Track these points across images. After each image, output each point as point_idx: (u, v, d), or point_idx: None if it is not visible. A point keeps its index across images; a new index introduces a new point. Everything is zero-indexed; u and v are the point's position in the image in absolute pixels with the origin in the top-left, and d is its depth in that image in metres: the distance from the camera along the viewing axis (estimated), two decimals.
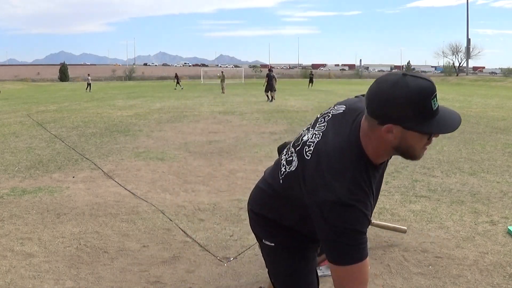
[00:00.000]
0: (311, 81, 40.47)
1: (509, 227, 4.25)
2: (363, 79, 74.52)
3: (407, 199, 5.33)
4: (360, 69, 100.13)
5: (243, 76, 59.38)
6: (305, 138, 1.62)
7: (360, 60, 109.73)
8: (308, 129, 1.68)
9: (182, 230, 4.42)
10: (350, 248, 1.39)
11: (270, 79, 23.47)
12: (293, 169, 1.59)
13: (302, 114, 15.43)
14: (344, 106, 1.63)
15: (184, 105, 19.43)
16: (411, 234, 4.23)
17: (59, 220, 4.76)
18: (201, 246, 4.02)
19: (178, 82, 40.44)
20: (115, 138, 10.42)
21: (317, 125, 1.63)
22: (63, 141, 9.94)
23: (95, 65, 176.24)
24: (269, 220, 1.79)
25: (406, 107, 1.33)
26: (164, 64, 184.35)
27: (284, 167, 1.66)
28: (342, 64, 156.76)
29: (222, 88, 30.39)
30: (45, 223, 4.65)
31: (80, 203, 5.31)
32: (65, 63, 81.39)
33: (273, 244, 1.83)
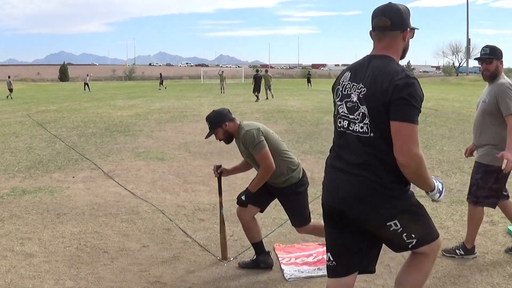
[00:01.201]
0: (309, 81, 40.47)
1: (509, 227, 4.25)
2: None
3: None
4: None
5: (243, 76, 59.37)
6: (354, 96, 2.08)
7: None
8: (344, 97, 2.14)
9: (182, 230, 4.42)
10: (416, 112, 1.93)
11: (257, 80, 23.65)
12: (364, 118, 2.03)
13: (302, 114, 15.42)
14: (347, 69, 2.22)
15: (184, 105, 19.43)
16: None
17: (59, 220, 4.75)
18: (201, 246, 4.02)
19: (161, 83, 41.11)
20: (115, 138, 10.42)
21: (352, 92, 2.10)
22: (63, 141, 9.94)
23: (95, 64, 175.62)
24: (377, 182, 2.02)
25: (409, 14, 2.08)
26: (167, 64, 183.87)
27: (352, 122, 2.07)
28: (342, 64, 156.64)
29: (222, 88, 30.33)
30: (45, 223, 4.64)
31: (80, 203, 5.31)
32: (65, 63, 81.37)
33: (395, 221, 2.06)
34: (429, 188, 2.12)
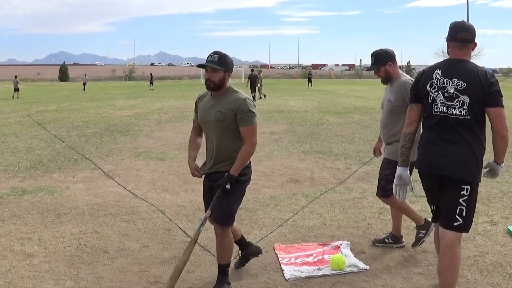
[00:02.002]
0: (309, 81, 40.56)
1: (509, 227, 4.25)
2: (362, 79, 74.42)
3: (407, 199, 5.32)
4: (359, 69, 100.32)
5: (243, 76, 59.39)
6: (450, 89, 2.75)
7: (360, 60, 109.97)
8: (440, 88, 2.78)
9: (182, 230, 4.42)
10: (503, 100, 2.72)
11: (252, 79, 23.59)
12: (464, 104, 2.71)
13: (302, 114, 15.43)
14: (437, 68, 2.85)
15: (184, 105, 19.44)
16: (411, 234, 4.22)
17: (59, 220, 4.75)
18: (201, 246, 4.02)
19: (151, 82, 41.46)
20: (115, 138, 10.42)
21: (448, 85, 2.76)
22: (63, 141, 9.94)
23: (101, 64, 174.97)
24: (469, 151, 2.71)
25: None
26: (169, 64, 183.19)
27: (451, 107, 2.73)
28: (342, 64, 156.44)
29: None
30: (45, 223, 4.64)
31: (80, 203, 5.31)
32: (65, 63, 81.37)
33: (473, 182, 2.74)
34: (503, 161, 2.84)
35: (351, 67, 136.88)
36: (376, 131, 11.22)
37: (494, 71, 79.71)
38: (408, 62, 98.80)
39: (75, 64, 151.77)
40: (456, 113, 2.72)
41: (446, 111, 2.75)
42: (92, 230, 4.44)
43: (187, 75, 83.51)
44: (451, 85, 2.74)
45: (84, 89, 37.84)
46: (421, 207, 5.01)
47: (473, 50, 2.85)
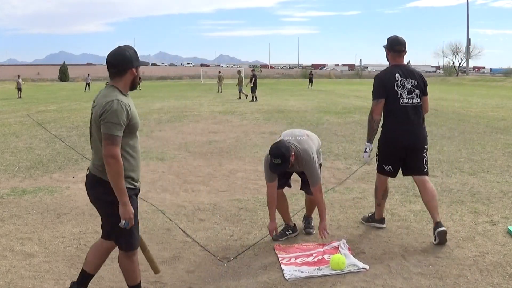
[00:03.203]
0: (310, 81, 40.55)
1: (509, 227, 4.25)
2: (362, 79, 74.38)
3: (407, 199, 5.33)
4: (359, 69, 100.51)
5: (243, 76, 59.34)
6: (408, 86, 4.05)
7: (360, 60, 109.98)
8: (403, 87, 4.05)
9: (182, 230, 4.42)
10: None
11: (255, 79, 23.61)
12: (418, 95, 4.08)
13: (302, 114, 15.42)
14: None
15: (184, 105, 19.43)
16: (411, 234, 4.23)
17: (59, 220, 4.75)
18: (201, 246, 4.02)
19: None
20: None
21: (406, 84, 4.06)
22: (63, 141, 9.94)
23: (95, 64, 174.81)
24: (423, 125, 4.12)
25: None
26: (171, 64, 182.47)
27: (411, 98, 4.04)
28: (342, 64, 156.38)
29: (219, 88, 31.99)
30: (45, 223, 4.64)
31: (80, 203, 5.31)
32: (65, 63, 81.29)
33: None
34: None
35: (351, 67, 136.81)
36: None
37: (510, 70, 78.87)
38: (408, 62, 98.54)
39: (88, 64, 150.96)
40: (414, 102, 4.05)
41: (409, 101, 4.03)
42: (92, 230, 4.44)
43: (187, 75, 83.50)
44: (408, 83, 4.04)
45: (88, 89, 37.80)
46: (421, 207, 5.00)
47: (404, 55, 4.13)
